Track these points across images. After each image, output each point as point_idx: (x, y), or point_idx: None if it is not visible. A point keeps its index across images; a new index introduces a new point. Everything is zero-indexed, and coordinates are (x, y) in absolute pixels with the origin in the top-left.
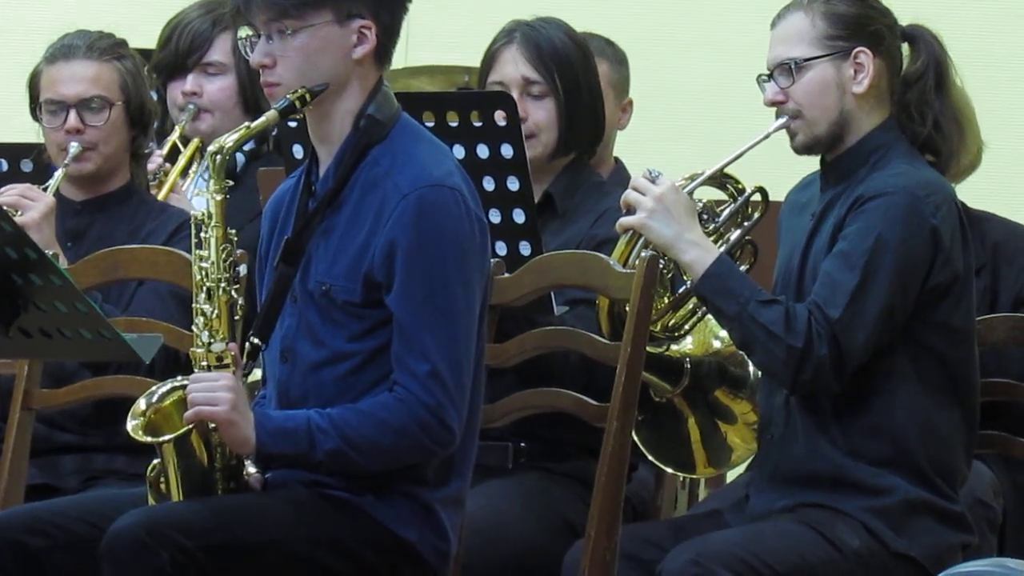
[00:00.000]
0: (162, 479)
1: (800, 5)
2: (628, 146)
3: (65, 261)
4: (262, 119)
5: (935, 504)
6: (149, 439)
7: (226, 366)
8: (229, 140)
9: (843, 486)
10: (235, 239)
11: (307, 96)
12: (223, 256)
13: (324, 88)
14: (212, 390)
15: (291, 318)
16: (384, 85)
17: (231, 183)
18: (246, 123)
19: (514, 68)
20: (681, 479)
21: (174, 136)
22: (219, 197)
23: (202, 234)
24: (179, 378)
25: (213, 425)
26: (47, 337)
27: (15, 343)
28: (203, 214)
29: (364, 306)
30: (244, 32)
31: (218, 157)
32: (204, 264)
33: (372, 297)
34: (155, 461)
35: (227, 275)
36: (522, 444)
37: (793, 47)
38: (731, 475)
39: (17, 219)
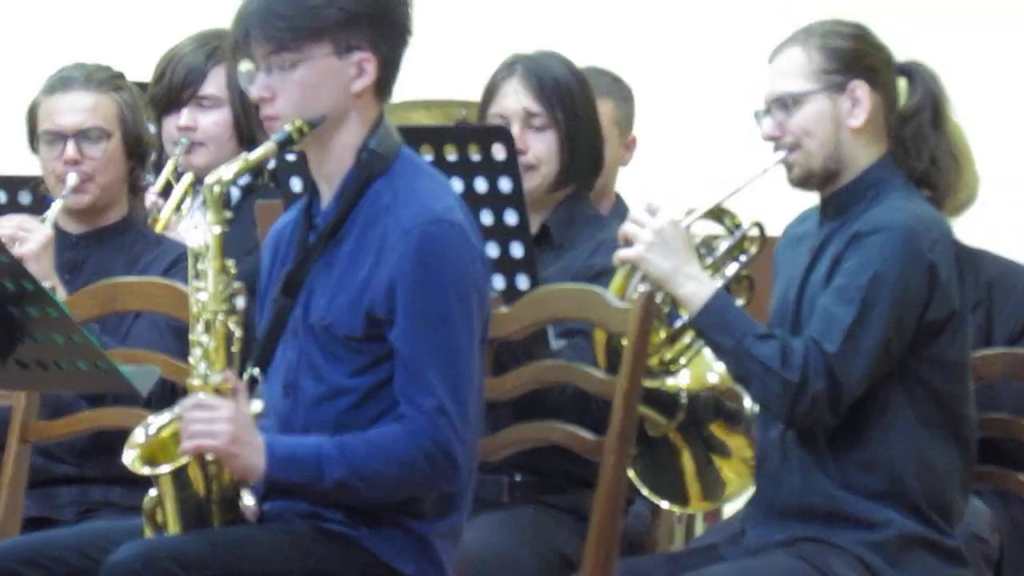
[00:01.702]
0: (158, 511)
1: (797, 40)
2: (632, 180)
3: (63, 293)
4: (260, 150)
5: (931, 538)
6: (146, 471)
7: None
8: (227, 172)
9: (838, 520)
10: (233, 271)
11: (305, 128)
12: (220, 288)
13: (321, 120)
14: (211, 422)
15: (292, 352)
16: (385, 119)
17: (229, 215)
18: (244, 155)
19: (515, 100)
20: (678, 513)
21: (168, 170)
22: (217, 229)
23: (199, 266)
24: (176, 409)
25: (211, 457)
26: (44, 369)
27: (12, 375)
28: (201, 246)
29: (365, 340)
30: (244, 67)
31: (216, 188)
32: (201, 296)
33: (373, 332)
34: (151, 493)
35: (225, 307)
36: (517, 477)
37: (790, 81)
38: (728, 509)
39: (15, 251)
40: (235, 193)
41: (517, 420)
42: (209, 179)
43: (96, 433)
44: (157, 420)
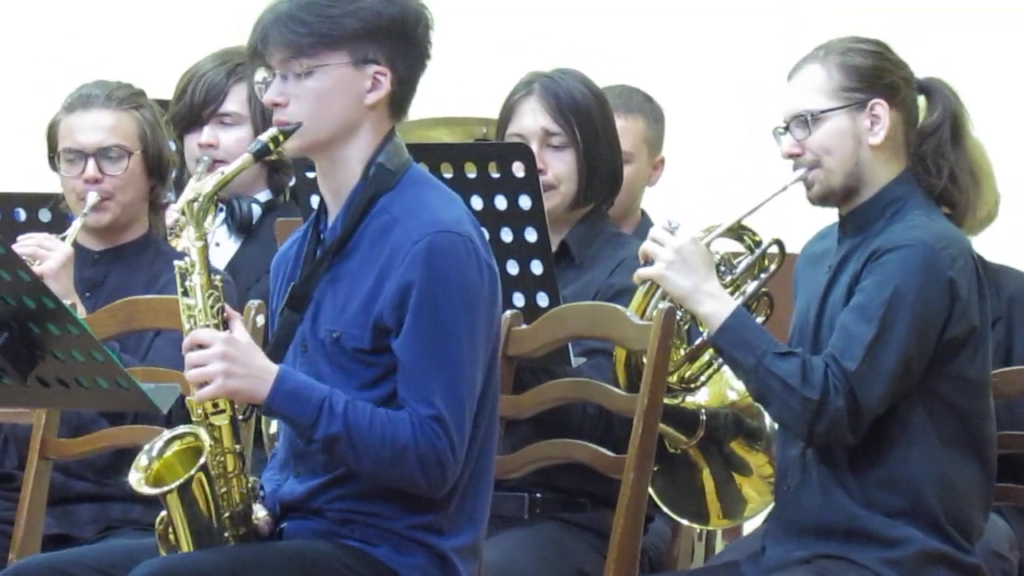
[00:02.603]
0: (171, 530)
1: (816, 57)
2: (657, 199)
3: (83, 310)
4: (236, 163)
5: (951, 556)
6: (147, 490)
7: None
8: (206, 186)
9: (859, 537)
10: (220, 284)
11: (280, 137)
12: (210, 303)
13: (297, 127)
14: (204, 362)
15: (302, 368)
16: (396, 136)
17: (208, 228)
18: (221, 169)
19: (533, 120)
20: (698, 531)
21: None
22: (200, 244)
23: (187, 283)
24: (177, 428)
25: (217, 471)
26: (64, 386)
27: (32, 392)
28: (187, 263)
29: (373, 352)
30: (260, 75)
31: (195, 204)
32: (193, 312)
33: (381, 343)
34: (162, 513)
35: (215, 321)
36: (538, 495)
37: (809, 99)
38: (748, 527)
39: (35, 269)
40: (255, 211)
41: (537, 438)
42: (188, 195)
43: (116, 451)
44: (159, 441)
